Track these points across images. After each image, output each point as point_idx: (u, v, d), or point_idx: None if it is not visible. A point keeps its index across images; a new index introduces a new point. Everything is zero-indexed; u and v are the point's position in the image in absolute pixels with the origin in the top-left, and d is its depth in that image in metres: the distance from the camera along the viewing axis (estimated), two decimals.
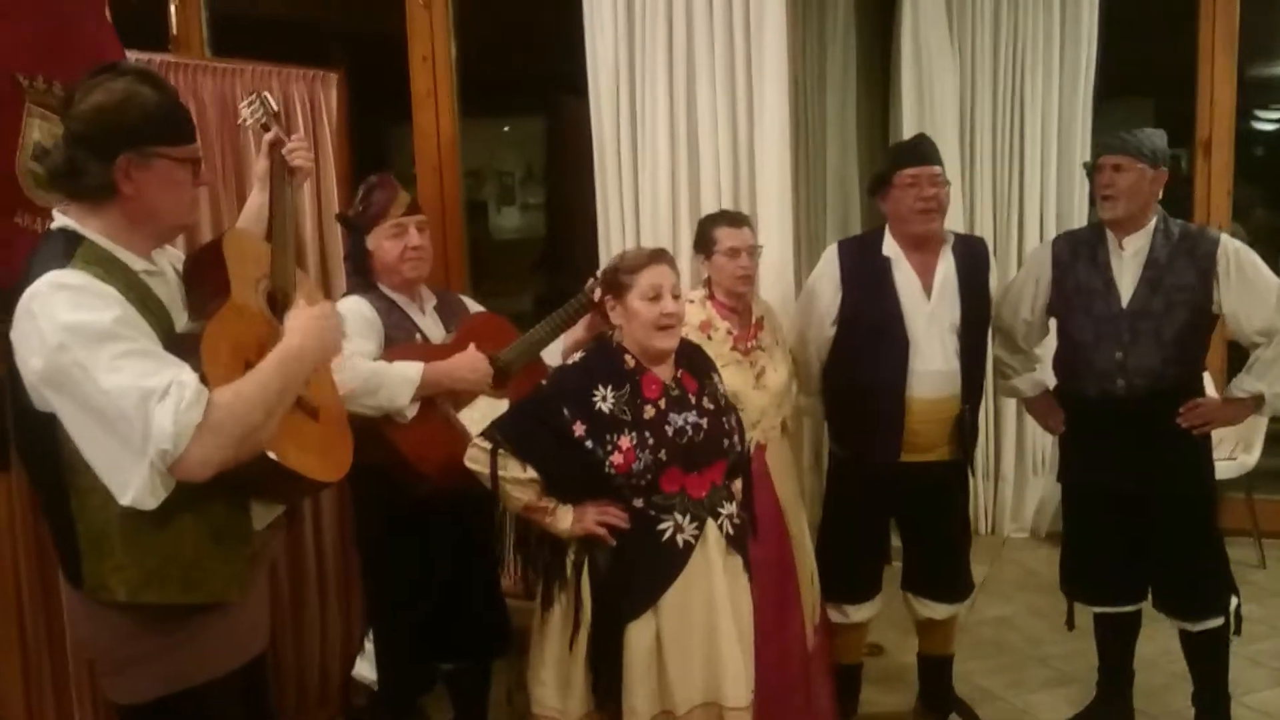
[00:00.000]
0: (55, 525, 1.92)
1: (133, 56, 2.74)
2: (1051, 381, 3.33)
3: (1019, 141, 5.00)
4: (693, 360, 2.58)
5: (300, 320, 2.03)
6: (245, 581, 2.00)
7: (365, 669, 2.98)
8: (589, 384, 2.42)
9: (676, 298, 2.47)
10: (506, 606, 3.07)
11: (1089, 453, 3.16)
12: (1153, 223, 3.02)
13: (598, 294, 2.63)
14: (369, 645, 2.97)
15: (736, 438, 2.57)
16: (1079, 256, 3.09)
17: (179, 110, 1.99)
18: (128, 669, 1.94)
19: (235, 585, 1.97)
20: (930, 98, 4.82)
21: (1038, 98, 4.92)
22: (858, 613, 3.30)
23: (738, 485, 2.63)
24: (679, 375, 2.51)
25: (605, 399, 2.40)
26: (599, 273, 2.67)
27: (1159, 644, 3.39)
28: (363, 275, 2.88)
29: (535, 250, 7.65)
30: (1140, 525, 3.10)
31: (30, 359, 1.77)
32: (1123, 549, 3.14)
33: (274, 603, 3.23)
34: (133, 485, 1.76)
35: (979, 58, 4.96)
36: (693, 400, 2.49)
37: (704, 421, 2.47)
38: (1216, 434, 4.41)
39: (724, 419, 2.54)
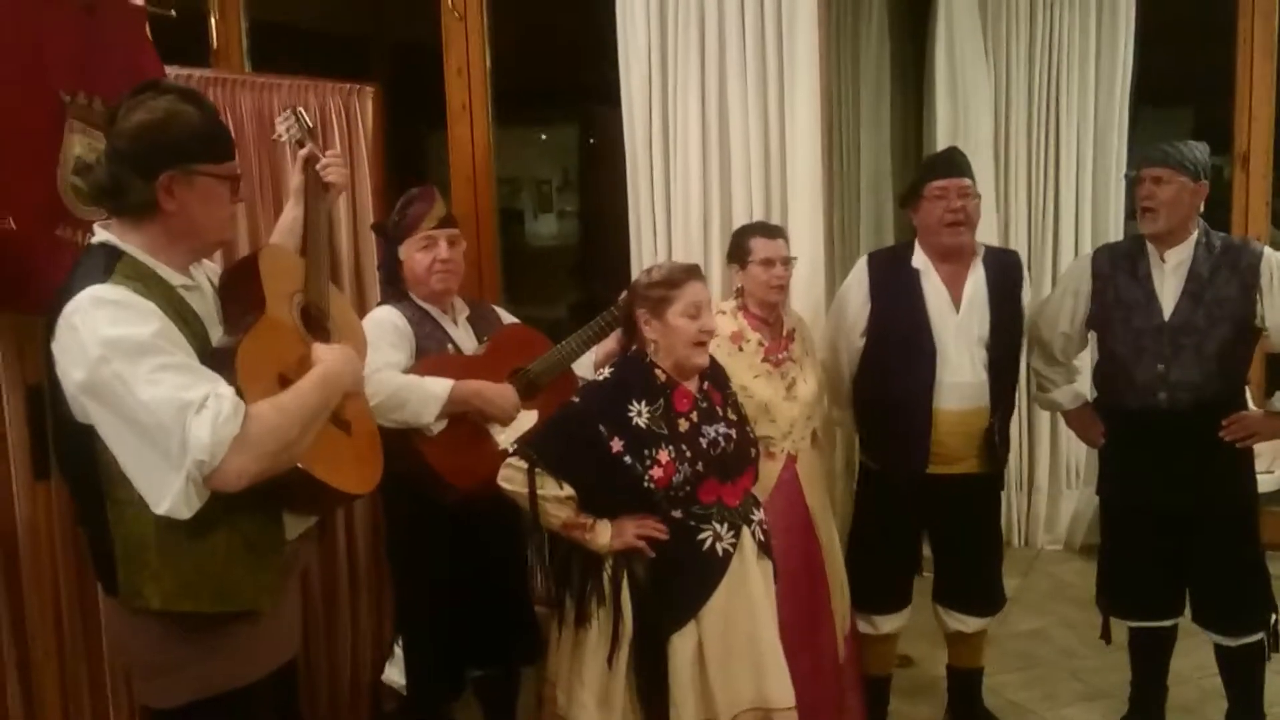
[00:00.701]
0: (92, 534, 1.96)
1: (172, 72, 2.78)
2: (1090, 394, 3.31)
3: (1054, 152, 4.96)
4: (714, 373, 2.61)
5: (339, 351, 2.08)
6: (276, 591, 2.04)
7: (394, 674, 3.00)
8: (623, 400, 2.44)
9: (710, 314, 2.50)
10: (535, 614, 3.09)
11: (1129, 466, 3.14)
12: (1194, 235, 3.00)
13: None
14: (398, 650, 3.00)
15: (756, 447, 2.62)
16: (1119, 269, 3.08)
17: (219, 128, 2.03)
18: (161, 675, 1.98)
19: (266, 595, 2.00)
20: (964, 108, 4.80)
21: (1073, 107, 4.89)
22: (886, 624, 3.30)
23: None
24: (705, 388, 2.54)
25: (640, 414, 2.42)
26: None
27: (1194, 659, 3.36)
28: (395, 285, 2.92)
29: (572, 257, 7.68)
30: (1180, 539, 3.08)
31: (72, 370, 1.81)
32: (1161, 563, 3.12)
33: (307, 609, 3.29)
34: (168, 495, 1.79)
35: (1014, 67, 4.93)
36: (720, 412, 2.52)
37: (732, 432, 2.51)
38: (1256, 447, 4.39)
39: (746, 428, 2.58)
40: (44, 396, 2.07)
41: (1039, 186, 5.01)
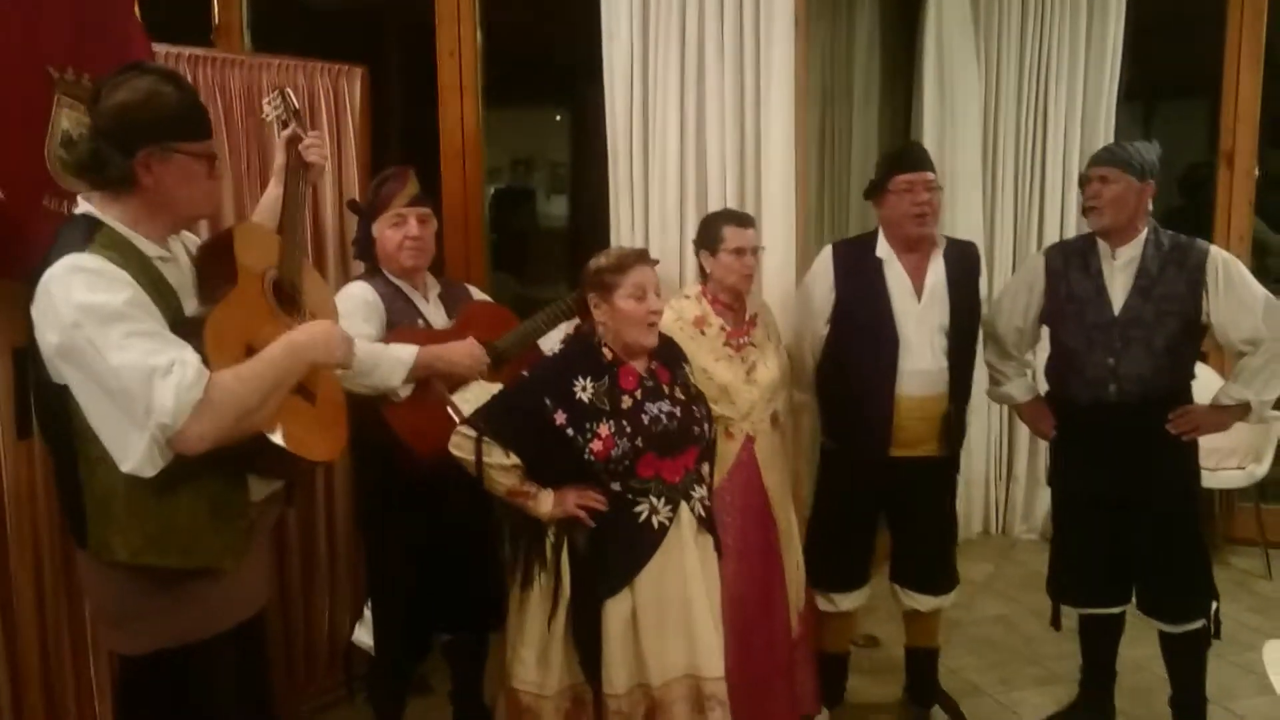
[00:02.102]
0: (65, 488, 2.07)
1: (161, 50, 2.89)
2: (1043, 387, 3.39)
3: (1041, 148, 5.04)
4: (665, 352, 2.70)
5: (314, 326, 2.18)
6: (240, 550, 2.14)
7: (364, 635, 3.11)
8: (569, 375, 2.54)
9: (658, 295, 2.59)
10: (504, 581, 3.19)
11: (1079, 457, 3.22)
12: (1144, 233, 3.08)
13: None
14: (368, 613, 3.11)
15: (706, 425, 2.69)
16: (1071, 265, 3.16)
17: (198, 109, 2.13)
18: (126, 624, 2.10)
19: (230, 554, 2.11)
20: (953, 103, 4.87)
21: (1061, 104, 4.96)
22: (845, 601, 3.40)
23: (706, 469, 2.75)
24: (653, 367, 2.63)
25: (585, 389, 2.52)
26: None
27: (1149, 648, 3.44)
28: (368, 261, 3.02)
29: (581, 239, 7.71)
30: (1127, 529, 3.16)
31: (47, 334, 1.92)
32: (1108, 552, 3.21)
33: (285, 571, 3.41)
34: (133, 455, 1.90)
35: (1004, 63, 5.01)
36: (666, 390, 2.61)
37: (677, 410, 2.59)
38: (1227, 444, 4.48)
39: (694, 407, 2.65)
40: (27, 359, 2.20)
41: (1025, 182, 5.09)
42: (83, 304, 1.88)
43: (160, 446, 1.90)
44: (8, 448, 2.60)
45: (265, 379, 2.01)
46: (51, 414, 2.03)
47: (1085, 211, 3.11)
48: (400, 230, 2.97)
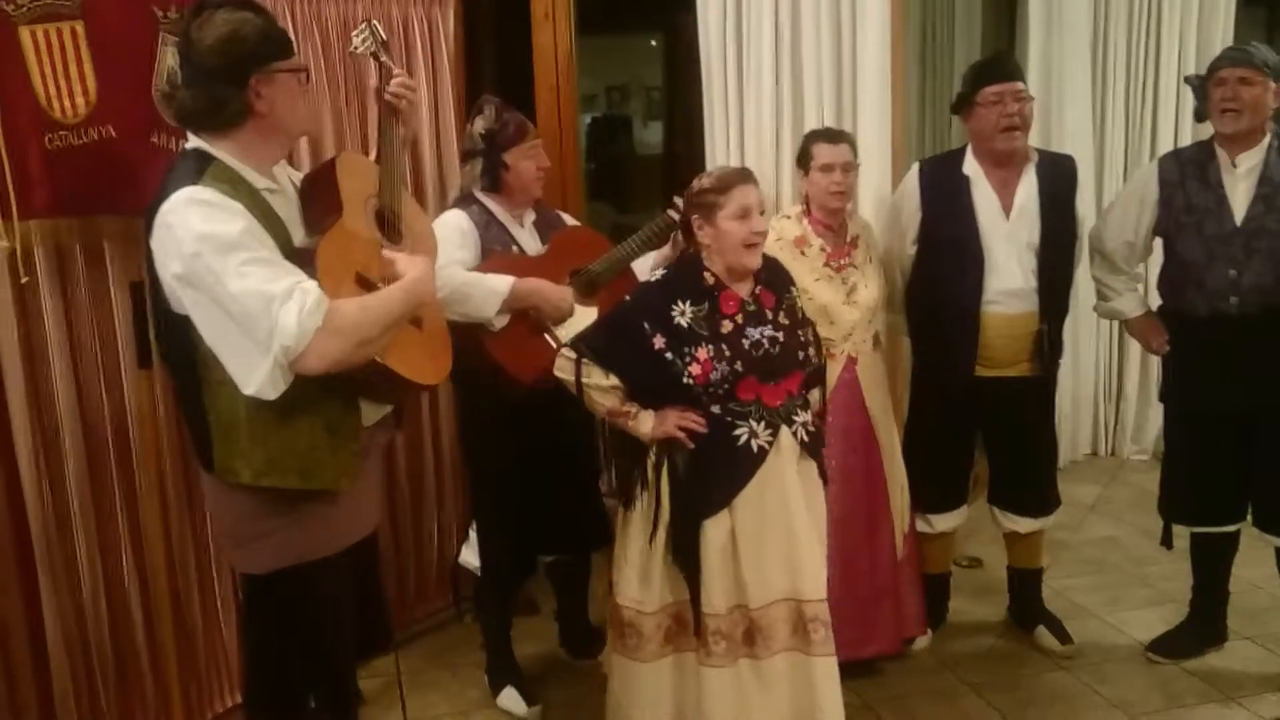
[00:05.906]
0: (190, 415, 2.16)
1: None
2: (1154, 301, 3.29)
3: (1155, 52, 4.84)
4: (771, 276, 2.66)
5: (417, 260, 2.21)
6: (354, 472, 2.21)
7: (470, 556, 3.19)
8: (668, 300, 2.54)
9: (762, 213, 2.56)
10: (603, 503, 3.24)
11: (1196, 372, 3.13)
12: (1266, 140, 2.96)
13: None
14: (474, 535, 3.19)
15: (812, 350, 2.66)
16: (1188, 176, 3.04)
17: (278, 27, 2.18)
18: (249, 543, 2.19)
19: (345, 475, 2.18)
20: (1060, 4, 4.67)
21: (1176, 4, 4.74)
22: (941, 522, 3.39)
23: (815, 395, 2.72)
24: (757, 291, 2.60)
25: (684, 314, 2.52)
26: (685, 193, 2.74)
27: (1267, 568, 3.36)
28: (499, 191, 3.02)
29: (676, 165, 7.64)
30: (1245, 444, 3.08)
31: (169, 263, 1.99)
32: (1223, 469, 3.13)
33: (395, 495, 3.51)
34: (256, 377, 1.97)
35: None
36: (769, 315, 2.58)
37: (780, 335, 2.57)
38: None
39: (799, 332, 2.63)
40: (144, 292, 2.27)
41: (1137, 89, 4.91)
42: (201, 233, 1.94)
43: (282, 369, 1.96)
44: (129, 377, 2.72)
45: (389, 313, 2.08)
46: (175, 343, 2.11)
47: (1219, 114, 2.96)
48: (534, 160, 3.01)
